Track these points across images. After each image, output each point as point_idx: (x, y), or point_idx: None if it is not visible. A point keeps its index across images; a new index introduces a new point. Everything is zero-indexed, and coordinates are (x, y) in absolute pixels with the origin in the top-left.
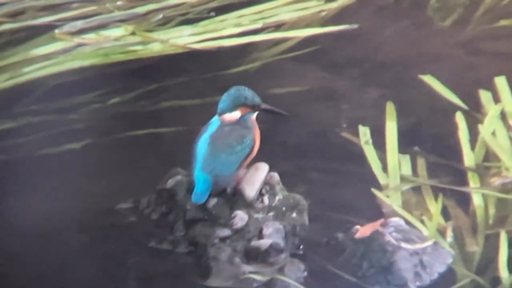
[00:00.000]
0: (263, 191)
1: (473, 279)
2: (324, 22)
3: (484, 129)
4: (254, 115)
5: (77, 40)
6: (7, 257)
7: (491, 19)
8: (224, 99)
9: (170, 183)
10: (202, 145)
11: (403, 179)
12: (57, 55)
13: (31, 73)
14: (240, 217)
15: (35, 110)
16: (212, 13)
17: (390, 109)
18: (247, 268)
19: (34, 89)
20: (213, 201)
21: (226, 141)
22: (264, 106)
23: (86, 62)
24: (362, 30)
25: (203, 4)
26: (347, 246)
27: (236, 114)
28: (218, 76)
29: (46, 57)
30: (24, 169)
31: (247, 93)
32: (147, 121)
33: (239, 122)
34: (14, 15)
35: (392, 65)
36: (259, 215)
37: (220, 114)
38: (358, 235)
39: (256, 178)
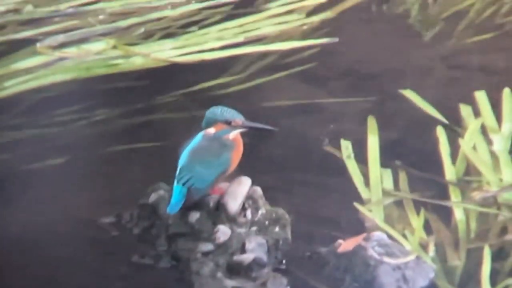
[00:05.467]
0: (246, 205)
1: None
2: (306, 36)
3: (465, 143)
4: (233, 132)
5: (58, 54)
6: None
7: (472, 33)
8: (205, 115)
9: (152, 197)
10: (183, 158)
11: (385, 193)
12: (39, 69)
13: (13, 87)
14: (223, 232)
15: (17, 125)
16: (194, 27)
17: (372, 124)
18: (229, 282)
19: (16, 103)
20: (196, 216)
21: (203, 155)
22: (244, 123)
23: (67, 76)
24: (344, 44)
25: (185, 18)
26: (330, 261)
27: (211, 131)
28: (202, 91)
29: (28, 71)
30: (6, 185)
31: (218, 110)
32: (130, 135)
33: (216, 138)
34: None
35: (373, 79)
36: (242, 230)
37: (203, 129)
38: (340, 250)
39: (238, 192)
